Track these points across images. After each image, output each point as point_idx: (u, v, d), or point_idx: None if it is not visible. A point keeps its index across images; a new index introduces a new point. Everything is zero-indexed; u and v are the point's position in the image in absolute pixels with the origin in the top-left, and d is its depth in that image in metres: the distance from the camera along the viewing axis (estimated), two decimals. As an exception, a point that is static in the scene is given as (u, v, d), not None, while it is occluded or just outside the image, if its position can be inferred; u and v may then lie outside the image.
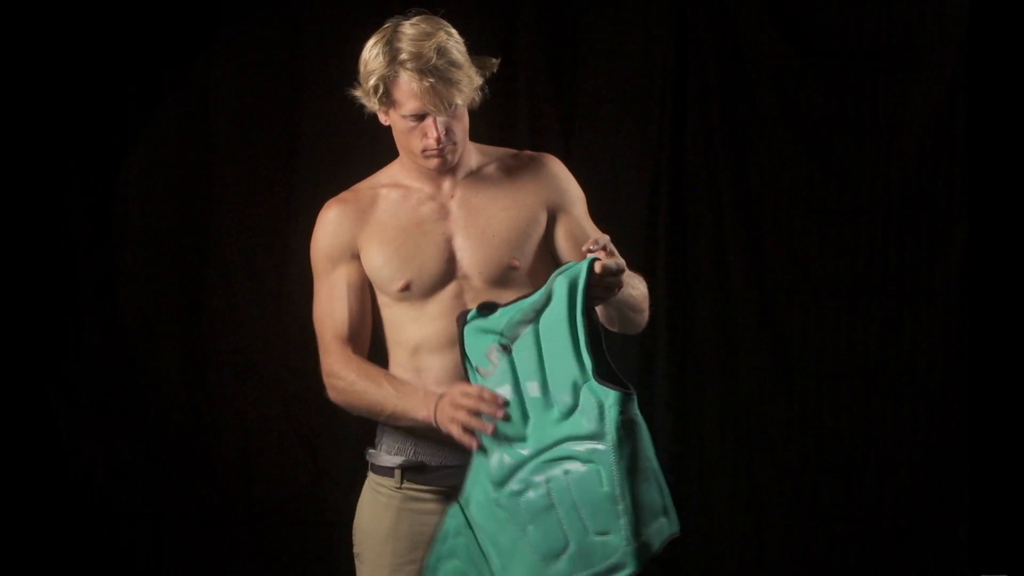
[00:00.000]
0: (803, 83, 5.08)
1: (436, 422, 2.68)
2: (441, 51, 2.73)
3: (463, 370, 2.70)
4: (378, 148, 4.86)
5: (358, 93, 2.87)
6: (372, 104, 2.85)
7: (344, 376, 2.85)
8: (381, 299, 2.92)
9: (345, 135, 5.14)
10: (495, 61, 2.90)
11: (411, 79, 2.73)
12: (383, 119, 2.91)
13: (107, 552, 5.20)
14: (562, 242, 2.93)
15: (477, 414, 2.60)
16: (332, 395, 2.91)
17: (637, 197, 5.12)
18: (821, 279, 5.10)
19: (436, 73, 2.72)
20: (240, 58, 5.27)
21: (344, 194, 2.97)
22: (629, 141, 5.18)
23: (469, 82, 2.78)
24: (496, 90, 3.04)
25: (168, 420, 5.33)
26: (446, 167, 2.85)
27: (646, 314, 2.93)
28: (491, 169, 2.96)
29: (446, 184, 2.90)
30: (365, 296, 2.91)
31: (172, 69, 5.26)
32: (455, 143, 2.82)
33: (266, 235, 5.24)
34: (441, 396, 2.69)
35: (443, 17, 2.87)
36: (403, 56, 2.73)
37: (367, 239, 2.88)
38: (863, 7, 5.01)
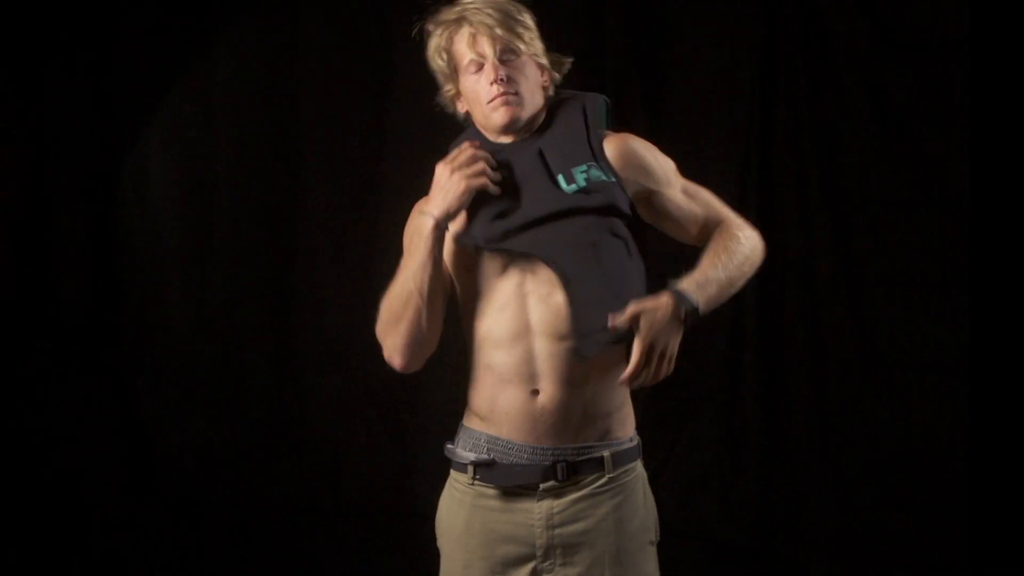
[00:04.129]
0: (891, 74, 5.04)
1: (445, 206, 2.76)
2: (498, 7, 2.81)
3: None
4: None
5: (439, 99, 2.93)
6: (446, 87, 2.92)
7: (380, 308, 2.88)
8: (460, 285, 2.90)
9: (425, 125, 5.17)
10: (568, 60, 2.92)
11: (468, 26, 2.80)
12: (460, 106, 2.93)
13: (194, 542, 5.25)
14: (657, 221, 2.90)
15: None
16: (384, 341, 2.89)
17: (725, 189, 5.02)
18: (908, 270, 5.06)
19: (491, 18, 2.78)
20: (327, 48, 5.31)
21: None
22: (716, 133, 5.16)
23: (531, 42, 2.82)
24: (583, 83, 3.04)
25: (255, 411, 5.37)
26: (512, 118, 2.82)
27: (748, 269, 2.86)
28: None
29: None
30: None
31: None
32: (517, 93, 2.81)
33: (353, 225, 5.27)
34: (427, 198, 2.81)
35: (531, 7, 2.89)
36: (458, 11, 2.82)
37: None
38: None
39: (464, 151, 2.79)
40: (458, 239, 2.81)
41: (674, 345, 2.63)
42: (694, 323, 2.66)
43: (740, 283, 2.83)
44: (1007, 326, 4.97)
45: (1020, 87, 4.92)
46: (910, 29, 5.02)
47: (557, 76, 2.92)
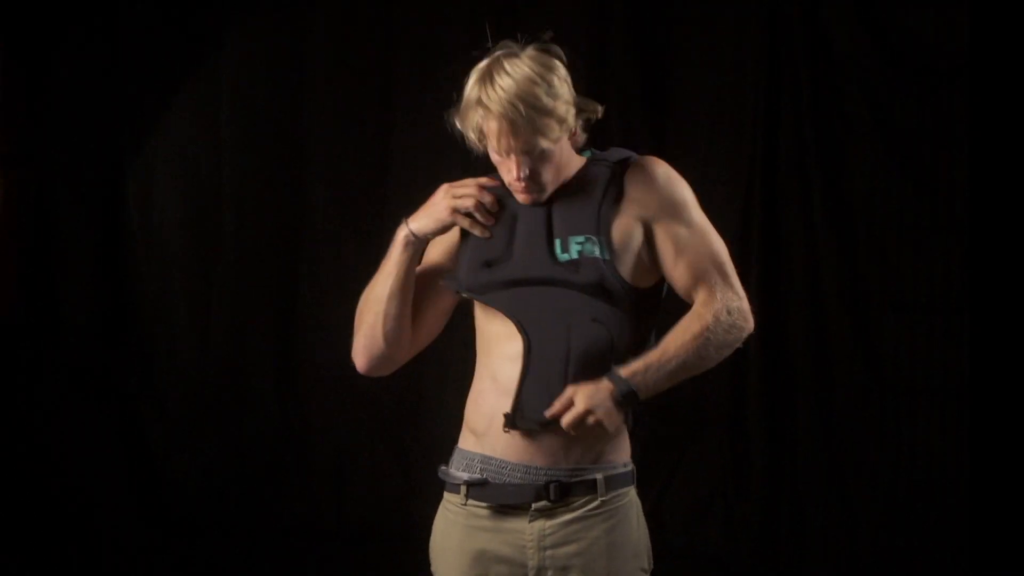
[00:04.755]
0: (895, 97, 5.05)
1: (420, 224, 2.77)
2: (525, 100, 2.68)
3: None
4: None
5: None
6: (478, 140, 2.84)
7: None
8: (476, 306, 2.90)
9: (436, 146, 5.16)
10: (599, 107, 2.85)
11: (493, 121, 2.71)
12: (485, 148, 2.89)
13: (198, 564, 5.25)
14: (659, 257, 2.82)
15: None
16: (356, 343, 2.87)
17: (730, 212, 5.09)
18: (915, 295, 5.06)
19: (517, 119, 2.68)
20: (334, 65, 5.32)
21: None
22: (721, 155, 5.16)
23: (557, 126, 2.72)
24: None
25: (260, 434, 5.37)
26: (533, 202, 2.80)
27: (715, 353, 2.81)
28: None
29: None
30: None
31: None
32: (537, 183, 2.76)
33: (358, 247, 5.27)
34: (419, 211, 2.79)
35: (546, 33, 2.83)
36: (485, 99, 2.71)
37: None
38: (956, 21, 4.95)
39: (470, 183, 2.80)
40: (443, 282, 2.83)
41: (608, 419, 2.65)
42: (636, 406, 2.68)
43: (707, 364, 2.81)
44: (1007, 350, 4.98)
45: (1019, 113, 4.94)
46: (913, 53, 5.03)
47: (594, 116, 2.87)
